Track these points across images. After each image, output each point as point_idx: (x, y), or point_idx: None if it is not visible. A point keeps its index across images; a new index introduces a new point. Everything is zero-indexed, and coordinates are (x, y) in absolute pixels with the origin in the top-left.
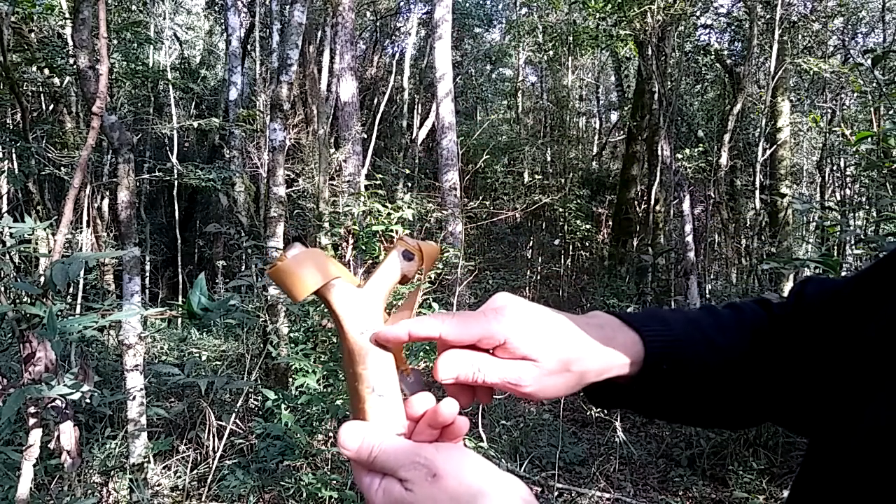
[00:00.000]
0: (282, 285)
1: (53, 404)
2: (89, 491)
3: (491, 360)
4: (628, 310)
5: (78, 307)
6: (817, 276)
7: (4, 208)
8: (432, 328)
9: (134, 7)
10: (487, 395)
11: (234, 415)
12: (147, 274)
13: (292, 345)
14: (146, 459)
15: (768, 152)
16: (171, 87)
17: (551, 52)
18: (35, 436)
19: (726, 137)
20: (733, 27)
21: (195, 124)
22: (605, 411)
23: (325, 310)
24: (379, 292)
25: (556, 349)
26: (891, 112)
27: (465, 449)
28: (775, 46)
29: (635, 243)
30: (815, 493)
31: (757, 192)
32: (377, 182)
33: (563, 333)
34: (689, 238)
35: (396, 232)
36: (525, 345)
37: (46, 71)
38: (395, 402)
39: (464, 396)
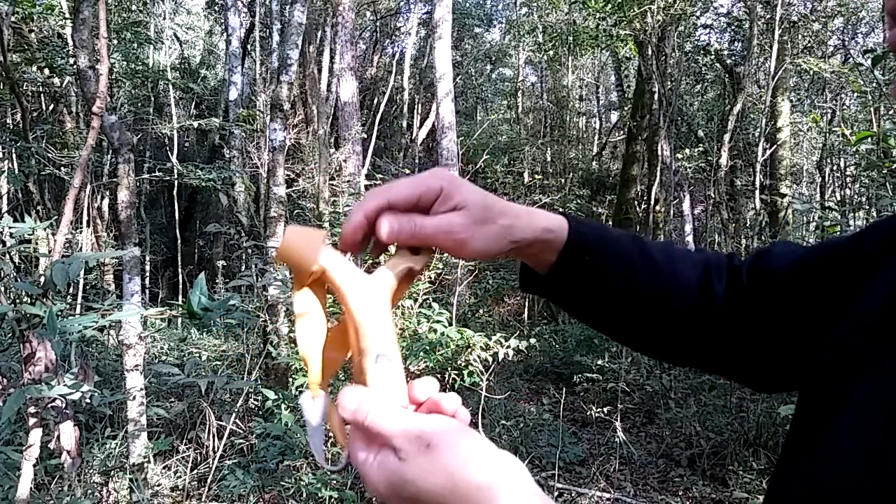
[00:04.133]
0: (292, 256)
1: (53, 404)
2: (89, 491)
3: (426, 216)
4: None
5: (78, 307)
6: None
7: (4, 208)
8: (380, 198)
9: (134, 7)
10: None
11: (234, 415)
12: (147, 274)
13: (292, 345)
14: (146, 459)
15: (768, 152)
16: (171, 87)
17: (551, 52)
18: (35, 436)
19: (726, 137)
20: (733, 27)
21: (195, 124)
22: (605, 411)
23: (330, 291)
24: (385, 278)
25: (482, 197)
26: (891, 112)
27: (464, 426)
28: (775, 46)
29: None
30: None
31: (757, 192)
32: (377, 182)
33: (488, 193)
34: (689, 238)
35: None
36: (457, 192)
37: (46, 71)
38: (396, 375)
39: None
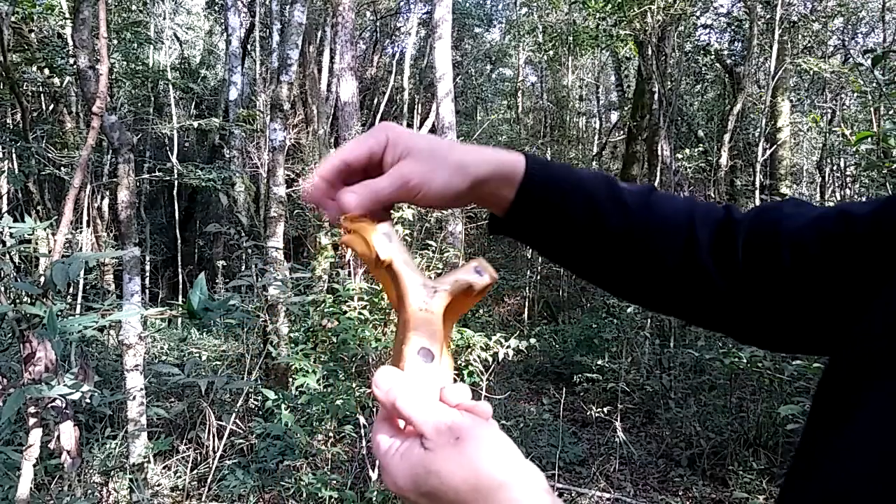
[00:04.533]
0: (354, 245)
1: (53, 404)
2: (89, 491)
3: (378, 178)
4: (628, 310)
5: (78, 307)
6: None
7: (4, 208)
8: (335, 158)
9: (134, 7)
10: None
11: (234, 415)
12: (147, 274)
13: (292, 345)
14: (146, 459)
15: (768, 152)
16: (171, 87)
17: (551, 52)
18: (35, 436)
19: (726, 137)
20: (733, 27)
21: (195, 124)
22: (605, 411)
23: (388, 277)
24: (444, 285)
25: (428, 141)
26: (891, 112)
27: (493, 424)
28: (775, 46)
29: None
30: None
31: (757, 192)
32: None
33: (433, 137)
34: None
35: (397, 231)
36: (400, 139)
37: (46, 71)
38: (434, 373)
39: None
